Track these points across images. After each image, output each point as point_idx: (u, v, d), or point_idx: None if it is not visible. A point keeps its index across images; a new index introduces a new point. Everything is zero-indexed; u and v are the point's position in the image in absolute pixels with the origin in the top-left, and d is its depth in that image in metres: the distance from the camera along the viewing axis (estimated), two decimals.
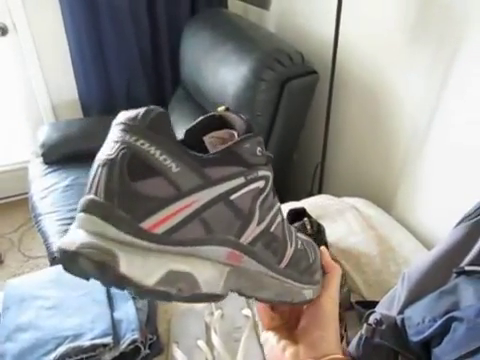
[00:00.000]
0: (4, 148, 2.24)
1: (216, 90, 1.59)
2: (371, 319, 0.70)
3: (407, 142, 1.29)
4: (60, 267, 0.28)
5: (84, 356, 0.81)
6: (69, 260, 0.27)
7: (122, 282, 0.27)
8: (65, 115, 2.13)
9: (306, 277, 0.43)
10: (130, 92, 2.09)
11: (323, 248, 0.49)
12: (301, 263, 0.43)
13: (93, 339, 0.82)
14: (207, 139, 0.37)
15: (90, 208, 0.28)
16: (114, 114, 0.32)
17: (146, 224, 0.28)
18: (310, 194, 1.59)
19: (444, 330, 0.60)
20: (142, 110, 0.29)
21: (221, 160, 0.32)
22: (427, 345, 0.63)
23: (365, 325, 0.69)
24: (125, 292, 0.92)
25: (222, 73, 1.54)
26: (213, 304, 0.95)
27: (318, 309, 0.44)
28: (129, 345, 0.83)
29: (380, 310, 0.75)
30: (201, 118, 0.37)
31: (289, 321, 0.48)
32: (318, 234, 1.04)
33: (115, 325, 0.86)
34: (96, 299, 0.92)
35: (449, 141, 1.14)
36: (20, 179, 1.99)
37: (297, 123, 1.57)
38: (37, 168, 1.79)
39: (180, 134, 0.35)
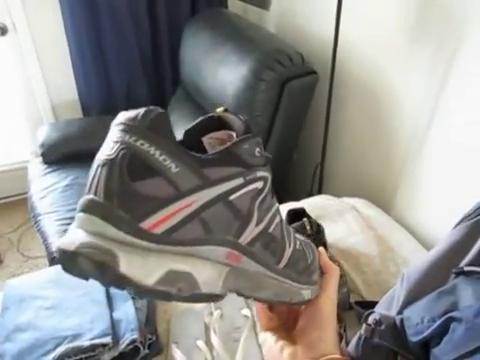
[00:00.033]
0: (4, 148, 2.24)
1: (216, 90, 1.59)
2: (370, 319, 0.70)
3: (407, 142, 1.30)
4: (59, 267, 0.28)
5: (83, 356, 0.81)
6: (69, 260, 0.27)
7: (122, 282, 0.27)
8: (65, 115, 2.13)
9: (304, 277, 0.43)
10: (130, 92, 2.09)
11: (321, 249, 0.49)
12: (299, 263, 0.43)
13: (92, 339, 0.82)
14: (206, 140, 0.37)
15: (90, 208, 0.28)
16: (114, 114, 0.32)
17: (146, 224, 0.28)
18: (310, 194, 1.59)
19: (443, 330, 0.60)
20: (142, 110, 0.29)
21: (220, 161, 0.32)
22: (426, 345, 0.63)
23: (364, 325, 0.69)
24: (124, 292, 0.92)
25: (222, 73, 1.54)
26: (212, 304, 0.95)
27: (316, 309, 0.44)
28: (128, 345, 0.83)
29: (379, 310, 0.75)
30: (200, 119, 0.37)
31: (287, 322, 0.48)
32: (317, 234, 1.04)
33: (114, 325, 0.86)
34: (95, 299, 0.92)
35: (449, 141, 1.14)
36: (19, 179, 1.99)
37: (297, 123, 1.57)
38: (36, 168, 1.79)
39: (180, 134, 0.36)
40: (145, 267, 0.28)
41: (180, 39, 1.87)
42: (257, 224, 0.36)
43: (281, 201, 1.41)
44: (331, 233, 1.13)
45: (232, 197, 0.33)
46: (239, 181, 0.33)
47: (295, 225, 1.04)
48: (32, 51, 1.98)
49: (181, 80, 1.97)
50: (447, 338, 0.58)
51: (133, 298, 0.92)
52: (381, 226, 1.23)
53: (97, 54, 1.95)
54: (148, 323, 0.90)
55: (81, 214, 0.28)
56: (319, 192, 1.56)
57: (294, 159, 1.68)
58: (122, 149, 0.28)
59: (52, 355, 0.81)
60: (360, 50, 1.39)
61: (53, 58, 2.03)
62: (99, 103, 2.08)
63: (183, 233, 0.29)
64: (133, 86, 2.08)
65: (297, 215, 1.12)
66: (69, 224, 0.31)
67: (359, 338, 0.72)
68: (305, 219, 1.04)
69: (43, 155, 1.80)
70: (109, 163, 0.28)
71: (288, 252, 0.41)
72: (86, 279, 0.28)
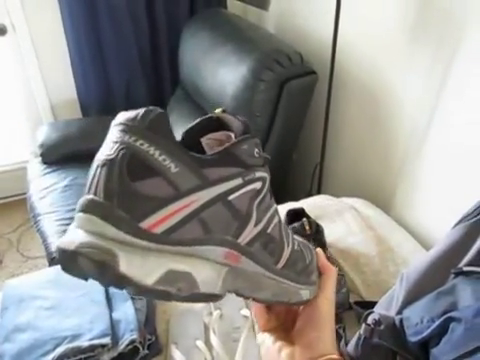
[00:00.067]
0: (3, 148, 2.24)
1: (215, 90, 1.59)
2: (370, 319, 0.70)
3: (406, 142, 1.30)
4: (59, 267, 0.28)
5: (83, 356, 0.81)
6: (68, 260, 0.27)
7: (122, 281, 0.27)
8: (64, 115, 2.13)
9: (303, 278, 0.44)
10: (129, 92, 2.09)
11: (319, 250, 0.50)
12: (298, 264, 0.43)
13: (92, 339, 0.82)
14: (204, 141, 0.38)
15: (89, 208, 0.28)
16: (113, 114, 0.32)
17: (145, 224, 0.28)
18: (309, 194, 1.59)
19: (442, 330, 0.60)
20: (141, 111, 0.29)
21: (219, 161, 0.32)
22: (425, 345, 0.63)
23: (364, 325, 0.70)
24: (124, 292, 0.92)
25: (221, 73, 1.54)
26: (212, 304, 0.95)
27: (314, 310, 0.44)
28: (128, 345, 0.83)
29: (379, 310, 0.76)
30: (199, 120, 0.38)
31: (285, 322, 0.49)
32: (317, 234, 1.04)
33: (114, 325, 0.86)
34: (95, 299, 0.92)
35: (448, 141, 1.15)
36: (19, 179, 1.98)
37: (296, 123, 1.57)
38: (36, 168, 1.79)
39: (179, 135, 0.36)
40: (145, 267, 0.28)
41: (179, 39, 1.87)
42: (256, 224, 0.36)
43: (280, 201, 1.40)
44: (330, 233, 1.13)
45: (231, 197, 0.33)
46: (238, 181, 0.33)
47: (294, 225, 1.04)
48: (31, 51, 1.98)
49: (180, 80, 1.97)
50: (446, 338, 0.59)
51: (132, 298, 0.92)
52: (380, 226, 1.23)
53: (96, 54, 1.95)
54: (147, 323, 0.90)
55: (81, 214, 0.28)
56: (318, 192, 1.56)
57: (293, 159, 1.68)
58: (122, 149, 0.28)
59: (51, 355, 0.80)
60: (359, 50, 1.39)
61: (52, 58, 2.03)
62: (98, 103, 2.08)
63: (182, 233, 0.29)
64: (132, 86, 2.08)
65: (296, 215, 1.12)
66: (68, 224, 0.31)
67: (358, 338, 0.72)
68: (304, 219, 1.04)
69: (42, 155, 1.80)
70: (109, 163, 0.28)
71: (287, 252, 0.41)
72: (85, 279, 0.28)
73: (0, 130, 2.20)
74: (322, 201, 1.36)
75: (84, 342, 0.82)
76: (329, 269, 0.48)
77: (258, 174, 0.35)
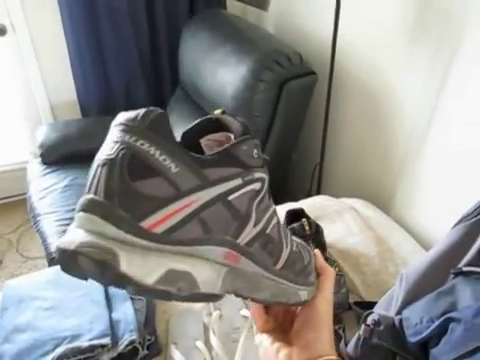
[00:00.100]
0: (3, 148, 2.24)
1: (215, 91, 1.59)
2: (369, 320, 0.70)
3: (406, 143, 1.30)
4: (58, 268, 0.28)
5: (82, 357, 0.81)
6: (69, 259, 0.27)
7: (122, 281, 0.27)
8: (64, 115, 2.13)
9: (301, 278, 0.44)
10: (129, 93, 2.09)
11: (317, 251, 0.50)
12: (296, 264, 0.43)
13: (91, 340, 0.82)
14: (204, 142, 0.38)
15: (90, 207, 0.28)
16: (113, 115, 0.32)
17: (146, 223, 0.28)
18: (309, 194, 1.59)
19: (442, 331, 0.60)
20: (142, 111, 0.29)
21: (219, 161, 0.32)
22: (425, 346, 0.64)
23: (363, 326, 0.70)
24: (123, 293, 0.92)
25: (221, 74, 1.54)
26: (211, 305, 0.95)
27: (312, 311, 0.45)
28: (127, 346, 0.83)
29: (378, 311, 0.76)
30: (198, 121, 0.38)
31: (283, 324, 0.49)
32: (316, 235, 1.04)
33: (113, 326, 0.86)
34: (94, 300, 0.92)
35: (448, 142, 1.15)
36: (18, 179, 1.98)
37: (296, 124, 1.57)
38: (35, 168, 1.79)
39: (178, 135, 0.36)
40: (145, 266, 0.28)
41: (179, 40, 1.87)
42: (255, 225, 0.36)
43: (280, 201, 1.40)
44: (330, 233, 1.13)
45: (231, 197, 0.33)
46: (238, 182, 0.33)
47: (294, 226, 1.04)
48: (31, 52, 1.98)
49: (180, 81, 1.97)
50: (446, 338, 0.59)
51: (132, 299, 0.92)
52: (380, 226, 1.23)
53: (96, 55, 1.95)
54: (147, 324, 0.90)
55: (81, 213, 0.28)
56: (318, 192, 1.56)
57: (293, 159, 1.68)
58: (122, 149, 0.28)
59: (51, 356, 0.80)
60: (359, 50, 1.39)
61: (52, 59, 2.03)
62: (98, 104, 2.08)
63: (182, 233, 0.30)
64: (132, 87, 2.08)
65: (296, 215, 1.12)
66: (68, 225, 0.31)
67: (358, 338, 0.72)
68: (304, 219, 1.04)
69: (42, 156, 1.80)
70: (109, 163, 0.28)
71: (285, 253, 0.41)
72: (85, 279, 0.28)
73: (0, 130, 2.19)
74: (322, 201, 1.36)
75: (84, 342, 0.82)
76: (327, 270, 0.48)
77: (257, 175, 0.35)
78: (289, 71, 1.42)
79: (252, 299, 0.39)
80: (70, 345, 0.82)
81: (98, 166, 0.28)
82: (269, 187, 0.38)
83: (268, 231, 0.38)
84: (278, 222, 0.41)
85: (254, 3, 1.93)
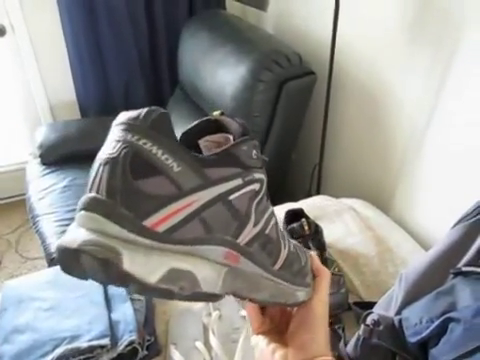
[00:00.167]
0: (2, 149, 2.23)
1: (214, 91, 1.59)
2: (369, 320, 0.70)
3: (405, 143, 1.30)
4: (58, 268, 0.28)
5: (81, 357, 0.81)
6: (70, 258, 0.27)
7: (125, 280, 0.27)
8: (63, 116, 2.13)
9: (299, 279, 0.44)
10: (128, 93, 2.09)
11: (313, 253, 0.50)
12: (294, 265, 0.43)
13: (91, 340, 0.82)
14: (202, 143, 0.38)
15: (92, 206, 0.28)
16: (112, 115, 0.32)
17: (148, 222, 0.28)
18: (308, 195, 1.59)
19: (441, 331, 0.60)
20: (144, 110, 0.29)
21: (220, 161, 0.33)
22: (424, 346, 0.64)
23: (363, 326, 0.70)
24: (123, 293, 0.92)
25: (220, 74, 1.54)
26: (211, 305, 0.95)
27: (308, 312, 0.45)
28: (127, 346, 0.83)
29: (378, 311, 0.76)
30: (197, 122, 0.38)
31: (279, 325, 0.49)
32: (316, 235, 1.04)
33: (113, 326, 0.86)
34: (94, 300, 0.92)
35: (447, 142, 1.15)
36: (18, 180, 1.98)
37: (295, 124, 1.57)
38: (35, 169, 1.79)
39: (177, 136, 0.36)
40: (148, 265, 0.28)
41: (178, 40, 1.87)
42: (255, 225, 0.36)
43: (279, 201, 1.40)
44: (329, 234, 1.13)
45: (231, 197, 0.33)
46: (238, 182, 0.33)
47: (293, 226, 1.04)
48: (30, 52, 1.98)
49: (179, 81, 1.97)
50: (445, 338, 0.59)
51: (131, 299, 0.92)
52: (379, 227, 1.23)
53: (95, 55, 1.95)
54: (146, 324, 0.90)
55: (83, 212, 0.28)
56: (317, 192, 1.56)
57: (292, 159, 1.68)
58: (124, 147, 0.28)
59: (50, 356, 0.80)
60: (358, 51, 1.39)
61: (51, 59, 2.03)
62: (97, 104, 2.08)
63: (184, 232, 0.30)
64: (131, 87, 2.08)
65: (295, 216, 1.12)
66: (68, 225, 0.31)
67: (358, 339, 0.72)
68: (303, 220, 1.04)
69: (41, 156, 1.80)
70: (111, 161, 0.28)
71: (283, 254, 0.41)
72: (85, 279, 0.28)
73: None
74: (321, 201, 1.36)
75: (83, 343, 0.82)
76: (323, 271, 0.48)
77: (257, 175, 0.36)
78: (288, 71, 1.42)
79: (251, 300, 0.39)
80: (69, 346, 0.82)
81: (100, 165, 0.28)
82: (268, 188, 0.38)
83: (267, 231, 0.38)
84: (276, 223, 0.41)
85: (253, 3, 1.93)
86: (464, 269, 0.67)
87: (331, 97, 1.38)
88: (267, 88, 1.41)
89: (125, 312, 0.89)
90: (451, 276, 0.69)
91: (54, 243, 1.41)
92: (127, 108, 0.30)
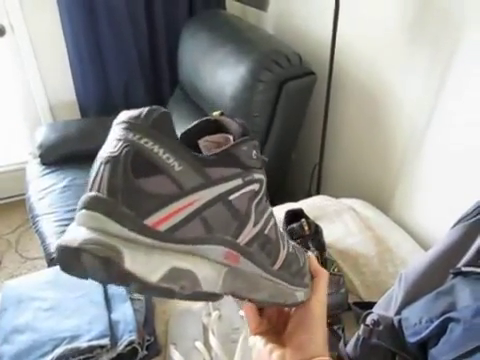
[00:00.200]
0: (2, 149, 2.23)
1: (214, 91, 1.59)
2: (368, 320, 0.70)
3: (405, 143, 1.30)
4: (58, 268, 0.28)
5: (81, 357, 0.81)
6: (71, 257, 0.27)
7: (126, 278, 0.27)
8: (63, 116, 2.13)
9: (297, 279, 0.44)
10: (128, 93, 2.09)
11: (310, 254, 0.50)
12: (293, 266, 0.44)
13: (90, 340, 0.82)
14: (202, 143, 0.38)
15: (92, 205, 0.28)
16: (112, 115, 0.32)
17: (149, 221, 0.28)
18: (308, 195, 1.59)
19: (441, 331, 0.60)
20: (145, 109, 0.29)
21: (220, 161, 0.33)
22: (424, 346, 0.64)
23: (362, 326, 0.70)
24: (123, 293, 0.92)
25: (220, 74, 1.54)
26: (210, 305, 0.95)
27: (306, 312, 0.45)
28: (126, 346, 0.83)
29: (377, 311, 0.76)
30: (196, 122, 0.38)
31: (276, 325, 0.49)
32: (316, 235, 1.04)
33: (112, 326, 0.86)
34: (93, 300, 0.92)
35: (447, 142, 1.15)
36: (18, 180, 1.98)
37: (295, 124, 1.57)
38: (35, 169, 1.79)
39: (177, 136, 0.36)
40: (149, 264, 0.28)
41: (178, 40, 1.87)
42: (254, 225, 0.36)
43: (279, 201, 1.40)
44: (329, 234, 1.13)
45: (231, 197, 0.33)
46: (238, 182, 0.34)
47: (293, 226, 1.04)
48: (30, 52, 1.98)
49: (179, 81, 1.97)
50: (445, 338, 0.59)
51: (131, 299, 0.92)
52: (379, 227, 1.23)
53: (95, 55, 1.95)
54: (146, 324, 0.90)
55: (83, 211, 0.28)
56: (317, 193, 1.56)
57: (292, 159, 1.68)
58: (126, 146, 0.28)
59: (50, 357, 0.80)
60: (358, 51, 1.39)
61: (51, 59, 2.03)
62: (97, 104, 2.07)
63: (185, 231, 0.30)
64: (131, 87, 2.08)
65: (295, 216, 1.12)
66: (68, 225, 0.31)
67: (357, 339, 0.72)
68: (303, 220, 1.04)
69: (41, 156, 1.80)
70: (112, 160, 0.28)
71: (283, 254, 0.41)
72: (86, 278, 0.28)
73: None
74: (321, 202, 1.36)
75: (83, 343, 0.82)
76: (321, 272, 0.49)
77: (256, 176, 0.36)
78: (288, 71, 1.42)
79: (251, 300, 0.39)
80: (69, 346, 0.82)
81: (101, 164, 0.28)
82: (267, 188, 0.38)
83: (266, 232, 0.38)
84: (275, 224, 0.41)
85: (253, 4, 1.93)
86: (464, 269, 0.67)
87: (331, 97, 1.38)
88: (267, 88, 1.41)
89: (125, 312, 0.89)
90: (451, 276, 0.69)
91: (54, 243, 1.41)
92: (127, 108, 0.30)
